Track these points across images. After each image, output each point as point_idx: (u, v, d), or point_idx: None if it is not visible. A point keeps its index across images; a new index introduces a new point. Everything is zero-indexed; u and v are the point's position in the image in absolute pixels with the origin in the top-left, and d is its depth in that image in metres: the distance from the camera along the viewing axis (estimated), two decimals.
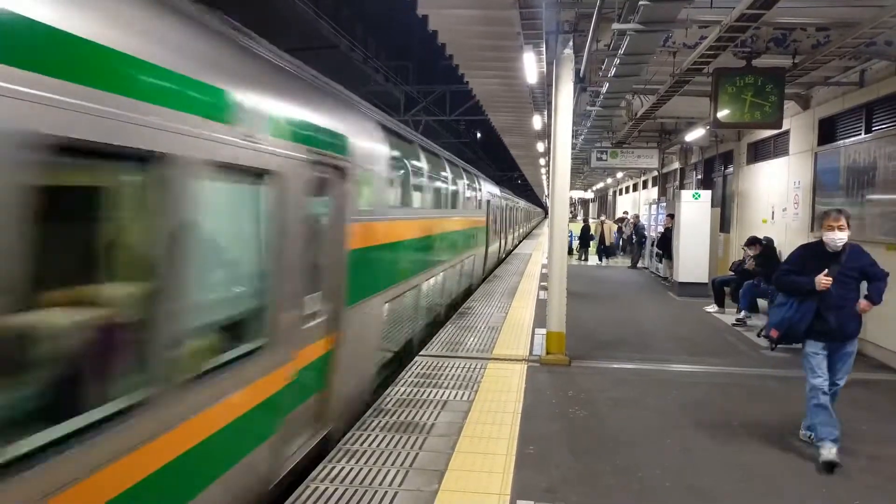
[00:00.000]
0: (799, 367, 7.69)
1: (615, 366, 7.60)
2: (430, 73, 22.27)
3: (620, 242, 24.77)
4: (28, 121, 2.04)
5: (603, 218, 25.47)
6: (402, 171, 7.76)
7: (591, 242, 22.87)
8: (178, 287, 2.89)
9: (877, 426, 5.71)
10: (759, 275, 10.18)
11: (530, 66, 9.49)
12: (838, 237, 4.90)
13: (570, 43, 7.79)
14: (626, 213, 26.88)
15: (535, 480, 4.37)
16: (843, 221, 4.89)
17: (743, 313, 10.37)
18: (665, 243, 15.37)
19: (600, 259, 22.22)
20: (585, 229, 23.25)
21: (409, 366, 7.26)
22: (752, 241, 10.77)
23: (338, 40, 15.44)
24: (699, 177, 18.03)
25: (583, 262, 21.96)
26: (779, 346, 5.39)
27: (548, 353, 7.71)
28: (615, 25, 6.62)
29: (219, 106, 3.21)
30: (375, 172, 6.01)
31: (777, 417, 5.86)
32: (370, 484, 4.22)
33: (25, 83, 2.02)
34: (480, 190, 15.45)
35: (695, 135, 13.57)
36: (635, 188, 30.18)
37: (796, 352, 8.49)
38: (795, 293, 5.05)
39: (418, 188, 8.72)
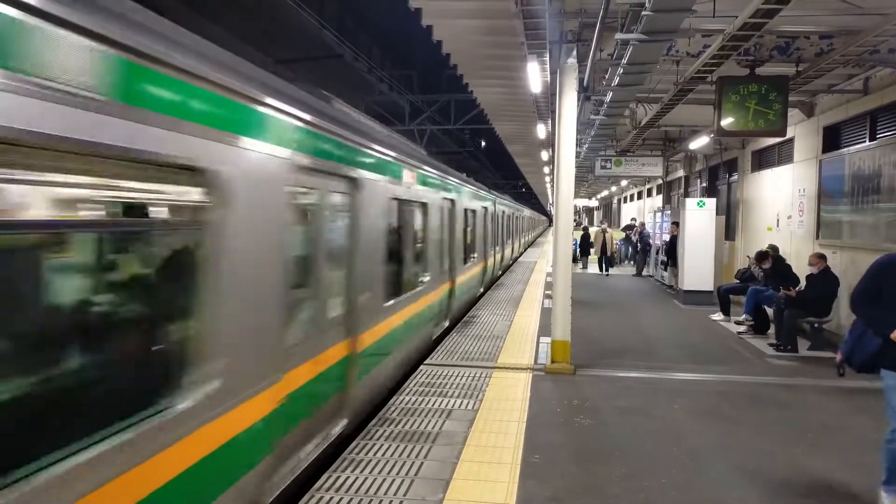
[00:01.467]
0: (804, 374, 7.71)
1: (620, 374, 7.58)
2: (434, 83, 22.33)
3: (630, 251, 23.47)
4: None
5: (605, 226, 23.15)
6: None
7: (592, 250, 22.36)
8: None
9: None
10: (775, 290, 10.04)
11: (534, 76, 9.53)
12: None
13: (574, 52, 7.83)
14: (633, 219, 25.66)
15: (541, 490, 4.36)
16: None
17: (744, 317, 10.34)
18: (672, 251, 15.34)
19: (601, 269, 20.70)
20: (585, 237, 22.93)
21: (414, 375, 7.27)
22: (763, 256, 10.49)
23: (342, 49, 15.50)
24: (704, 184, 18.02)
25: (585, 271, 21.79)
26: (846, 371, 4.51)
27: (553, 361, 7.71)
28: (618, 35, 6.65)
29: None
30: None
31: (783, 425, 5.84)
32: (375, 493, 4.21)
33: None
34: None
35: (699, 143, 13.57)
36: (640, 196, 30.17)
37: (801, 360, 8.55)
38: (871, 327, 4.25)
39: None
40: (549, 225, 59.87)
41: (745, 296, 10.49)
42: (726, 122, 8.46)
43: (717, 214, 13.75)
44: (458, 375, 7.24)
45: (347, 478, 4.45)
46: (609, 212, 44.01)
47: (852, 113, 9.32)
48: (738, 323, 10.33)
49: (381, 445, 5.05)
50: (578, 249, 22.29)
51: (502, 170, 44.67)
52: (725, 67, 7.83)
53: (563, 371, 7.52)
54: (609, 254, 21.13)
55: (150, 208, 3.11)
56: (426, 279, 8.56)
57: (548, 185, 35.49)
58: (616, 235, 24.23)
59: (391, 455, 4.86)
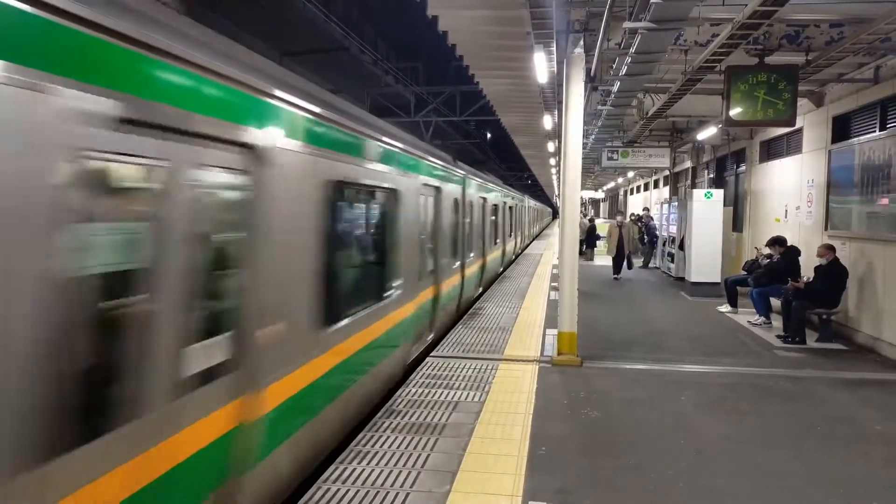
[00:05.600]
0: (812, 366, 7.67)
1: (627, 366, 7.56)
2: (440, 74, 22.23)
3: (646, 240, 20.25)
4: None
5: (620, 219, 18.51)
6: None
7: (600, 243, 21.71)
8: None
9: (891, 425, 5.64)
10: (775, 278, 9.95)
11: (540, 66, 9.47)
12: None
13: (581, 42, 7.76)
14: (646, 209, 22.61)
15: (548, 481, 4.35)
16: None
17: (762, 319, 10.21)
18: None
19: (616, 271, 16.82)
20: (591, 229, 22.55)
21: (420, 367, 7.26)
22: (777, 241, 10.37)
23: (348, 42, 15.45)
24: (711, 175, 17.91)
25: (591, 263, 21.58)
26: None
27: (559, 353, 7.69)
28: (626, 24, 6.58)
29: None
30: None
31: (791, 417, 5.81)
32: (382, 485, 4.21)
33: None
34: None
35: (707, 133, 13.48)
36: (646, 187, 30.05)
37: (810, 352, 8.50)
38: None
39: None
40: (555, 217, 59.64)
41: (753, 298, 10.36)
42: (735, 111, 8.39)
43: (724, 206, 13.66)
44: (464, 367, 7.23)
45: (354, 469, 4.45)
46: (615, 203, 43.87)
47: (862, 102, 9.22)
48: (752, 324, 10.21)
49: (388, 437, 5.05)
50: (584, 242, 21.83)
51: (508, 162, 44.54)
52: (734, 57, 7.75)
53: (570, 363, 7.51)
54: (628, 252, 17.37)
55: None
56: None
57: (554, 177, 35.41)
58: (635, 230, 20.45)
59: (398, 447, 4.86)
